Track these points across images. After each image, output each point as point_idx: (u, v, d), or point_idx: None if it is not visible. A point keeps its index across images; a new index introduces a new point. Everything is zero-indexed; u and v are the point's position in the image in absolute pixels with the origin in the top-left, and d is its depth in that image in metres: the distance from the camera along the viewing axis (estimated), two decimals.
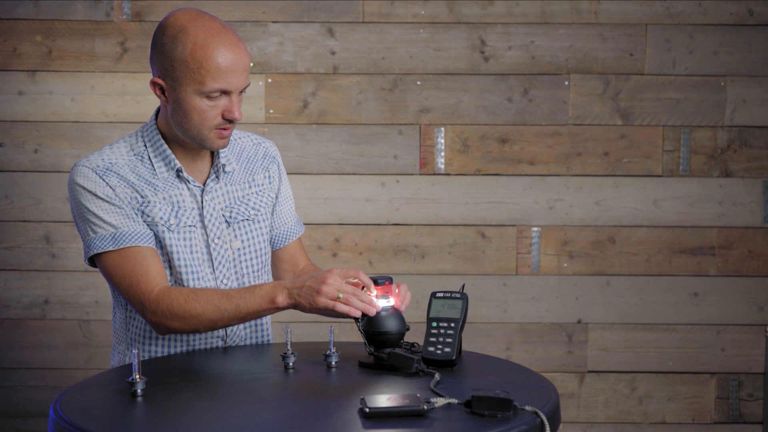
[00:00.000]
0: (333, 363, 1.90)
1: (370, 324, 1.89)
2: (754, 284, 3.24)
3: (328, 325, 1.96)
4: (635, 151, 3.21)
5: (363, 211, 3.22)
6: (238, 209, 2.14)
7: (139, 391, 1.70)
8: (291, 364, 1.89)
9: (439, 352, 1.86)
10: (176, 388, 1.77)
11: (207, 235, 2.09)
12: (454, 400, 1.61)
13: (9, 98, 3.17)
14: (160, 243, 2.05)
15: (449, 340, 1.86)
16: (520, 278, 3.24)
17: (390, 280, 1.93)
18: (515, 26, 3.19)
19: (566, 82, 3.20)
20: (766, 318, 3.25)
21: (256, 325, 2.18)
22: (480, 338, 3.22)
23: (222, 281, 2.11)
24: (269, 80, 3.18)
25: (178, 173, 2.08)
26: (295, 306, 1.92)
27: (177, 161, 2.07)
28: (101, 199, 2.01)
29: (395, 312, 1.91)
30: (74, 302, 3.21)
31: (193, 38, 1.96)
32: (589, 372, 3.27)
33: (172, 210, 2.06)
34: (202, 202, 2.09)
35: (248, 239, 2.15)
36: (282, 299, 1.91)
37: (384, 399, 1.59)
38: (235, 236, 2.13)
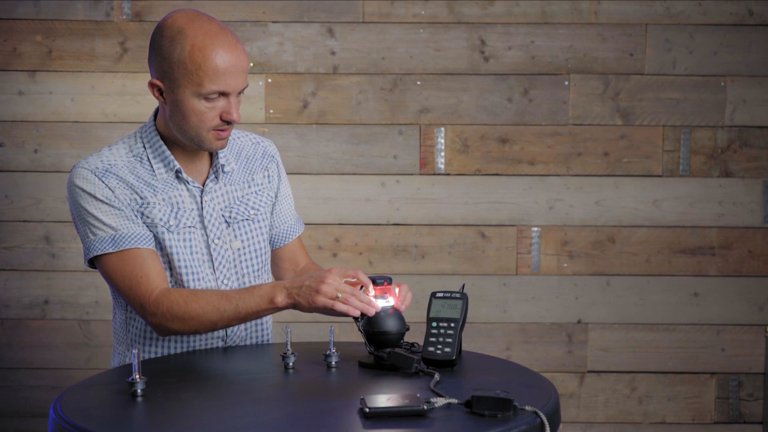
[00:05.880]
0: (333, 363, 1.90)
1: (369, 324, 1.89)
2: (754, 284, 3.24)
3: (328, 325, 1.96)
4: (635, 151, 3.21)
5: (363, 211, 3.22)
6: (238, 209, 2.14)
7: (139, 391, 1.70)
8: (291, 364, 1.89)
9: (439, 352, 1.86)
10: (176, 388, 1.77)
11: (207, 235, 2.09)
12: (454, 400, 1.61)
13: (9, 98, 3.17)
14: (159, 244, 2.04)
15: (449, 340, 1.86)
16: (520, 278, 3.24)
17: (389, 281, 1.93)
18: (515, 26, 3.19)
19: (566, 82, 3.20)
20: (766, 318, 3.25)
21: (256, 325, 2.18)
22: (480, 338, 3.22)
23: (222, 281, 2.11)
24: (269, 80, 3.18)
25: (178, 174, 2.08)
26: (294, 306, 1.92)
27: (176, 162, 2.07)
28: (100, 201, 2.01)
29: (395, 312, 1.91)
30: (74, 302, 3.21)
31: (191, 40, 1.96)
32: (589, 372, 3.27)
33: (171, 211, 2.06)
34: (201, 202, 2.09)
35: (248, 239, 2.15)
36: (281, 299, 1.91)
37: (384, 399, 1.59)
38: (235, 236, 2.13)
